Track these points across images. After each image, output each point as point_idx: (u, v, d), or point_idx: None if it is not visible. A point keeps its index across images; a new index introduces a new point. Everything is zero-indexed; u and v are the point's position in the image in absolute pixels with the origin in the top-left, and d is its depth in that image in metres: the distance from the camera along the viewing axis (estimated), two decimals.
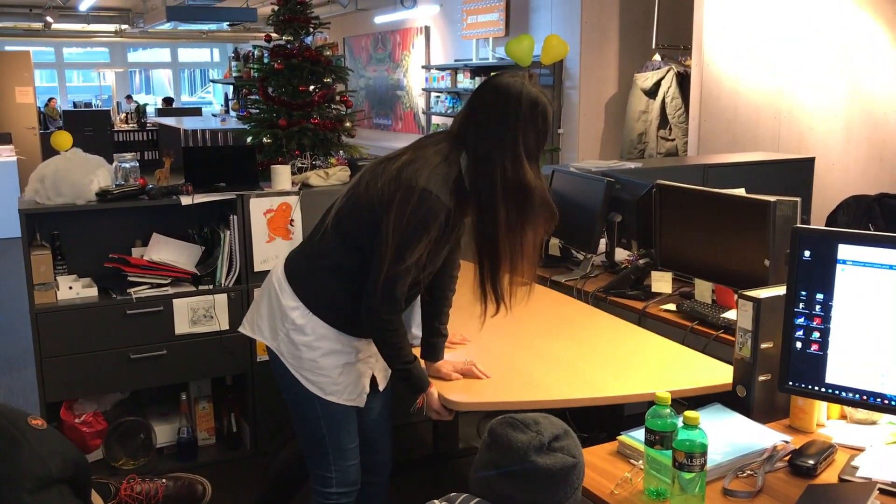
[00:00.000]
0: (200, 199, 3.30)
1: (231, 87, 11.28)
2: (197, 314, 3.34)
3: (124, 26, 15.10)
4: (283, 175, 3.49)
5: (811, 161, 4.59)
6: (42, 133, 11.82)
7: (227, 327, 3.36)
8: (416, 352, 2.17)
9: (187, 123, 11.87)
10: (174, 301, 3.30)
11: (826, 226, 4.14)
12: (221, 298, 3.37)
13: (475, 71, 8.10)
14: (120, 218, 3.42)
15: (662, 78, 6.30)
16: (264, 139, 5.46)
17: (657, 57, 6.47)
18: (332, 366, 2.13)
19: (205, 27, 15.33)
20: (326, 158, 4.77)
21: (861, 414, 1.92)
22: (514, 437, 1.45)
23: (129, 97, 16.12)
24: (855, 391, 1.73)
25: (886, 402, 1.70)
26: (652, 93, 6.40)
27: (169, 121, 13.19)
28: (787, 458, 1.73)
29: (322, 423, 2.17)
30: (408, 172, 1.94)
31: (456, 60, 8.78)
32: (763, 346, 1.91)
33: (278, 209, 3.42)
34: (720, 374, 2.16)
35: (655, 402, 1.64)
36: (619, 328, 2.64)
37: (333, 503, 2.25)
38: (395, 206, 1.92)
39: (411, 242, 1.92)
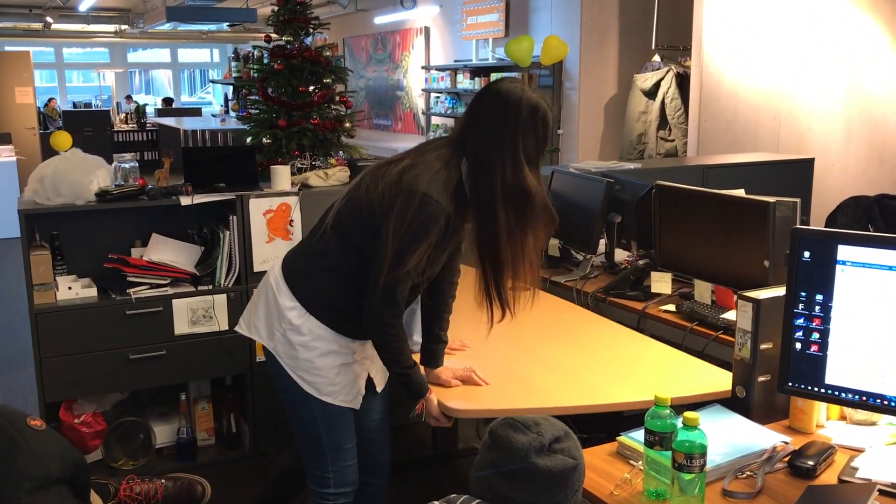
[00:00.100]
0: (200, 199, 3.30)
1: (231, 88, 11.28)
2: (196, 314, 3.34)
3: (124, 27, 15.10)
4: (282, 175, 3.49)
5: (811, 162, 4.59)
6: (42, 133, 11.82)
7: (227, 328, 3.36)
8: (416, 358, 2.17)
9: (187, 124, 11.87)
10: (174, 301, 3.30)
11: (825, 227, 4.13)
12: (221, 299, 3.37)
13: (475, 71, 8.10)
14: (119, 218, 3.42)
15: (662, 79, 6.30)
16: (264, 139, 5.45)
17: (657, 58, 6.47)
18: (329, 366, 2.13)
19: (204, 27, 15.34)
20: (326, 159, 4.77)
21: (861, 415, 1.92)
22: (514, 439, 1.45)
23: (128, 97, 16.11)
24: (854, 392, 1.73)
25: (886, 402, 1.70)
26: (651, 93, 6.40)
27: (169, 121, 13.19)
28: (787, 458, 1.73)
29: (319, 423, 2.17)
30: (409, 177, 1.94)
31: (456, 61, 8.78)
32: (762, 346, 1.91)
33: (278, 210, 3.42)
34: (720, 380, 2.16)
35: (655, 403, 1.64)
36: (619, 334, 2.63)
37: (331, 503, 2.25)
38: (396, 210, 1.92)
39: (411, 247, 1.92)
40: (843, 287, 1.73)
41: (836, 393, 1.76)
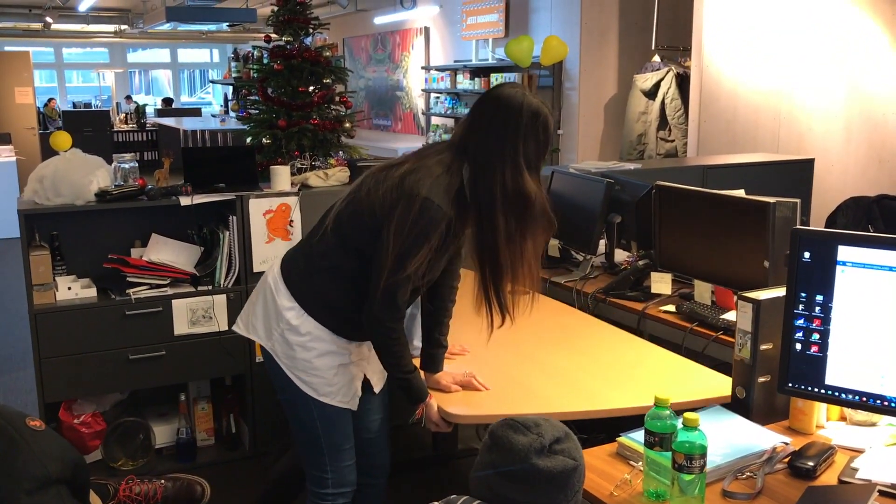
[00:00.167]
0: (200, 199, 3.30)
1: (230, 88, 11.29)
2: (196, 315, 3.34)
3: (124, 27, 15.11)
4: (282, 176, 3.49)
5: (811, 162, 4.59)
6: (41, 133, 11.83)
7: (227, 328, 3.36)
8: (416, 362, 2.17)
9: (187, 124, 11.87)
10: (173, 302, 3.30)
11: (825, 227, 4.13)
12: (220, 299, 3.37)
13: (475, 72, 8.10)
14: (119, 218, 3.42)
15: (662, 79, 6.30)
16: (264, 140, 5.46)
17: (657, 58, 6.47)
18: (327, 367, 2.13)
19: (204, 27, 15.35)
20: (326, 159, 4.78)
21: (861, 415, 1.92)
22: (514, 440, 1.45)
23: (128, 97, 16.11)
24: (855, 392, 1.73)
25: (886, 403, 1.70)
26: (651, 94, 6.40)
27: (168, 121, 13.19)
28: (787, 459, 1.73)
29: (317, 423, 2.17)
30: (410, 181, 1.95)
31: (455, 61, 8.78)
32: (762, 347, 1.91)
33: (277, 210, 3.42)
34: (719, 384, 2.16)
35: (655, 404, 1.64)
36: (619, 338, 2.63)
37: None
38: (398, 214, 1.93)
39: (412, 251, 1.93)
40: (843, 288, 1.73)
41: (836, 394, 1.75)
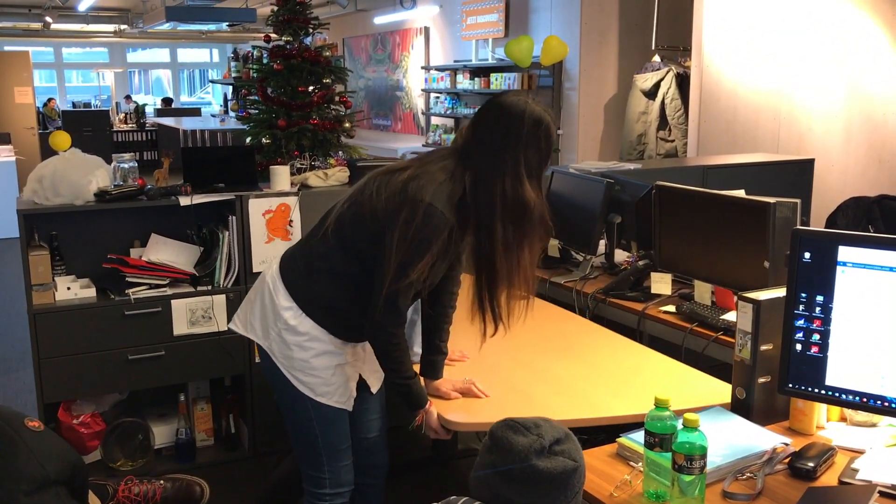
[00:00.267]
0: (199, 199, 3.30)
1: (230, 88, 11.28)
2: (195, 315, 3.34)
3: (123, 26, 15.12)
4: (281, 176, 3.48)
5: (811, 162, 4.59)
6: (41, 133, 11.83)
7: (226, 328, 3.35)
8: (416, 368, 2.16)
9: (186, 124, 11.87)
10: (173, 302, 3.29)
11: (826, 227, 4.13)
12: (220, 299, 3.37)
13: (475, 72, 8.10)
14: (118, 218, 3.41)
15: (662, 79, 6.30)
16: (263, 140, 5.45)
17: (657, 58, 6.47)
18: (324, 367, 2.13)
19: (204, 27, 15.35)
20: (325, 159, 4.77)
21: (861, 416, 1.91)
22: (514, 441, 1.45)
23: (128, 97, 16.12)
24: (855, 393, 1.73)
25: (886, 404, 1.70)
26: (651, 94, 6.40)
27: (168, 121, 13.19)
28: (787, 460, 1.72)
29: (314, 424, 2.17)
30: (413, 187, 1.95)
31: (455, 61, 8.78)
32: (763, 347, 1.90)
33: (277, 210, 3.41)
34: (719, 390, 2.16)
35: (655, 405, 1.63)
36: (618, 344, 2.62)
37: None
38: (400, 220, 1.93)
39: (415, 258, 1.93)
40: (843, 288, 1.72)
41: (837, 394, 1.75)
